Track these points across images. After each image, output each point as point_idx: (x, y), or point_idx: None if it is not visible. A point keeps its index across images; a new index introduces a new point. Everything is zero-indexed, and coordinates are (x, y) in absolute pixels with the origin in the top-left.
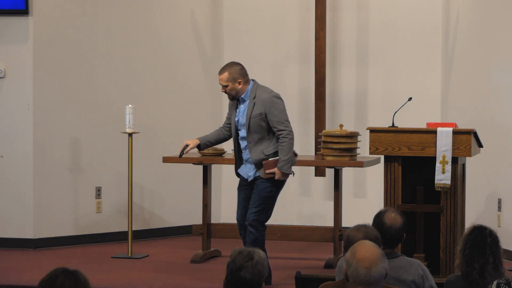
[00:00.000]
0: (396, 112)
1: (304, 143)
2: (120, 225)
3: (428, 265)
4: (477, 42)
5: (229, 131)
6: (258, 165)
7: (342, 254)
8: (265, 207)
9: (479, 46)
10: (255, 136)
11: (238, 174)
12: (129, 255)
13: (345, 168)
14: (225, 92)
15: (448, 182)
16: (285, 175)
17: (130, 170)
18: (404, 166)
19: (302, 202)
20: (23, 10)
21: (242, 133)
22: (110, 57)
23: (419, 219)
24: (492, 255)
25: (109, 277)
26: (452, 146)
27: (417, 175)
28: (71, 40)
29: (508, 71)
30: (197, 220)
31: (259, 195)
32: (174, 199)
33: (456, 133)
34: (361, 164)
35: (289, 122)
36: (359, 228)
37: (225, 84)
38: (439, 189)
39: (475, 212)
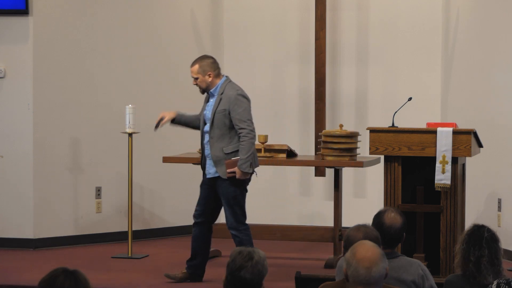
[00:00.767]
0: (396, 112)
1: (304, 143)
2: (120, 225)
3: (428, 265)
4: (477, 42)
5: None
6: (217, 162)
7: (342, 254)
8: (237, 208)
9: (479, 46)
10: (217, 132)
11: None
12: (129, 255)
13: (345, 168)
14: (196, 85)
15: (448, 182)
16: (245, 174)
17: (130, 170)
18: (404, 166)
19: (302, 202)
20: (23, 10)
21: (207, 127)
22: (110, 57)
23: (419, 219)
24: (488, 249)
25: (109, 277)
26: (452, 146)
27: (417, 175)
28: (71, 40)
29: (508, 71)
30: None
31: (226, 199)
32: (174, 199)
33: (456, 133)
34: (361, 164)
35: (251, 122)
36: (359, 228)
37: (195, 76)
38: (439, 189)
39: (475, 212)
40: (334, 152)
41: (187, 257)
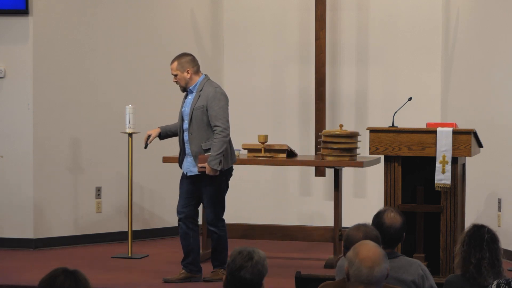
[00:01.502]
0: (396, 112)
1: (304, 143)
2: (120, 225)
3: (428, 265)
4: (477, 42)
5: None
6: (196, 158)
7: (342, 254)
8: (218, 205)
9: (479, 46)
10: (195, 128)
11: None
12: (129, 255)
13: (345, 168)
14: (176, 82)
15: (448, 182)
16: (214, 171)
17: (130, 170)
18: (404, 166)
19: (302, 202)
20: (23, 10)
21: (185, 124)
22: (110, 57)
23: (419, 219)
24: (489, 251)
25: (109, 277)
26: (452, 146)
27: (417, 175)
28: (71, 40)
29: (508, 71)
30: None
31: (208, 197)
32: (174, 199)
33: (456, 133)
34: (361, 164)
35: (227, 121)
36: (359, 227)
37: (174, 73)
38: (439, 189)
39: (475, 212)
40: (334, 152)
41: None
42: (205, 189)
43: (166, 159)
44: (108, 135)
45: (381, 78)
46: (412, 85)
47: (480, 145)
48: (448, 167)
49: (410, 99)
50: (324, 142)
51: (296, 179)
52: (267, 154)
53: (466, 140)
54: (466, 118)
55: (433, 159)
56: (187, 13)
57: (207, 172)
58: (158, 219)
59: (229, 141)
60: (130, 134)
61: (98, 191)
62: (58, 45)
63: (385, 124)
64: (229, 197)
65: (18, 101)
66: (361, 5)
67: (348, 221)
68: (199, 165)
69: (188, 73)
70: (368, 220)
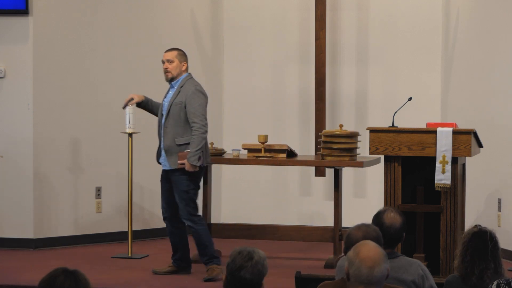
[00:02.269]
0: (396, 112)
1: (304, 143)
2: (120, 225)
3: (428, 265)
4: (477, 42)
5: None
6: (167, 152)
7: (342, 253)
8: (190, 201)
9: (479, 46)
10: (171, 123)
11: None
12: (129, 255)
13: (345, 168)
14: (165, 69)
15: (448, 182)
16: (194, 167)
17: (130, 170)
18: (404, 166)
19: (302, 202)
20: (23, 10)
21: (163, 117)
22: (110, 57)
23: (419, 219)
24: (493, 260)
25: (109, 277)
26: (452, 146)
27: (417, 175)
28: (71, 40)
29: (508, 71)
30: None
31: (179, 192)
32: None
33: (456, 133)
34: (361, 164)
35: (205, 118)
36: (360, 227)
37: (171, 58)
38: (439, 189)
39: (475, 212)
40: (334, 152)
41: None
42: (176, 186)
43: None
44: (108, 135)
45: (381, 78)
46: (412, 85)
47: (480, 145)
48: (448, 167)
49: (410, 99)
50: (324, 142)
51: (296, 179)
52: (267, 154)
53: (466, 140)
54: (466, 118)
55: (433, 159)
56: (187, 13)
57: (186, 168)
58: (158, 219)
59: (205, 141)
60: (130, 134)
61: (98, 191)
62: (58, 45)
63: (385, 124)
64: (229, 197)
65: (18, 101)
66: (361, 5)
67: (348, 221)
68: (179, 161)
69: (184, 65)
70: (368, 220)
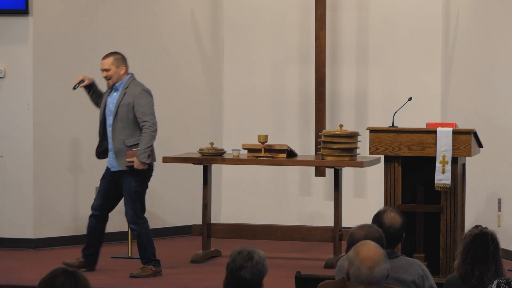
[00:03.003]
0: (396, 112)
1: (304, 143)
2: (120, 225)
3: (428, 265)
4: (477, 42)
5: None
6: (117, 154)
7: (344, 253)
8: (138, 202)
9: (479, 46)
10: (119, 125)
11: (99, 156)
12: (129, 255)
13: (345, 168)
14: (106, 77)
15: (448, 182)
16: (143, 164)
17: None
18: (404, 166)
19: (302, 202)
20: (23, 10)
21: (109, 120)
22: None
23: (419, 219)
24: (494, 262)
25: (109, 277)
26: (452, 146)
27: (417, 175)
28: (71, 40)
29: (508, 71)
30: (197, 220)
31: (128, 193)
32: (174, 199)
33: (456, 133)
34: (361, 164)
35: (154, 116)
36: (363, 227)
37: (108, 67)
38: (439, 189)
39: (475, 212)
40: (334, 152)
41: (187, 257)
42: (125, 186)
43: (166, 159)
44: None
45: (381, 78)
46: (412, 85)
47: (480, 145)
48: (448, 167)
49: (410, 99)
50: (324, 142)
51: (296, 179)
52: (267, 154)
53: (466, 140)
54: (466, 118)
55: (433, 159)
56: (187, 13)
57: (135, 166)
58: (158, 219)
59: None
60: None
61: None
62: (58, 45)
63: (385, 124)
64: (229, 197)
65: (18, 101)
66: (361, 5)
67: (348, 221)
68: (128, 159)
69: (122, 69)
70: (368, 220)
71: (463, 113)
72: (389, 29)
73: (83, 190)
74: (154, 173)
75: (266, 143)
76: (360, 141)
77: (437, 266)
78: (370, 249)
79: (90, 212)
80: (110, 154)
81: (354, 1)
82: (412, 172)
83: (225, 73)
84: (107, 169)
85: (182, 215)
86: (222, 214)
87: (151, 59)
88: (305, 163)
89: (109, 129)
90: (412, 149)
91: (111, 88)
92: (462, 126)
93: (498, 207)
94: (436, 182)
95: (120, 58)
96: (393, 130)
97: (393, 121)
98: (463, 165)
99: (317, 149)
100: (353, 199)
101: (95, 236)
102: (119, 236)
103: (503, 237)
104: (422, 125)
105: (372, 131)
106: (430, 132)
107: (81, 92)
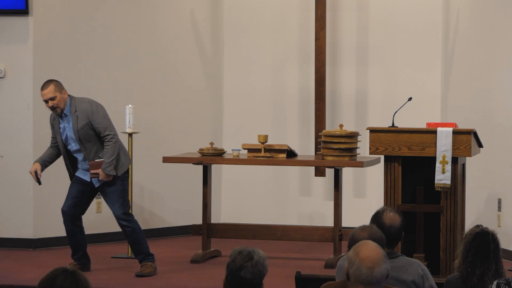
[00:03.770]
0: (396, 112)
1: (304, 143)
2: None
3: (428, 265)
4: (477, 42)
5: (57, 149)
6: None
7: (344, 253)
8: (124, 199)
9: (479, 46)
10: (89, 146)
11: (72, 175)
12: (129, 255)
13: (345, 168)
14: (52, 107)
15: (448, 182)
16: (108, 176)
17: (130, 170)
18: (404, 166)
19: (302, 202)
20: (23, 10)
21: (74, 146)
22: (110, 57)
23: (419, 219)
24: (494, 261)
25: (109, 277)
26: (452, 146)
27: (417, 175)
28: (71, 40)
29: (508, 71)
30: (197, 220)
31: (115, 194)
32: (174, 199)
33: (456, 133)
34: (361, 164)
35: (112, 126)
36: (365, 228)
37: (53, 95)
38: (439, 189)
39: (475, 212)
40: (334, 152)
41: (187, 257)
42: (110, 189)
43: (166, 159)
44: None
45: (381, 78)
46: (412, 85)
47: (480, 145)
48: (448, 167)
49: (410, 99)
50: (324, 142)
51: (296, 179)
52: (267, 154)
53: (466, 140)
54: (466, 118)
55: (433, 159)
56: (187, 13)
57: (100, 178)
58: (158, 219)
59: (121, 144)
60: (130, 134)
61: None
62: (58, 45)
63: (385, 124)
64: (229, 197)
65: (18, 101)
66: (361, 5)
67: (348, 221)
68: (92, 171)
69: (65, 93)
70: (368, 220)
71: (463, 113)
72: (389, 29)
73: None
74: (154, 173)
75: (266, 143)
76: (360, 141)
77: (437, 266)
78: (370, 249)
79: (90, 212)
80: (83, 172)
81: (354, 1)
82: (412, 172)
83: (225, 73)
84: (78, 178)
85: (182, 215)
86: (222, 214)
87: (151, 59)
88: (305, 163)
89: (78, 154)
90: (412, 149)
91: (60, 116)
92: (462, 126)
93: (498, 207)
94: (436, 182)
95: (59, 83)
96: (393, 130)
97: (393, 121)
98: (463, 165)
99: (317, 149)
100: (353, 199)
101: (78, 238)
102: (119, 236)
103: (503, 237)
104: (422, 125)
105: (372, 131)
106: (430, 132)
107: (81, 92)
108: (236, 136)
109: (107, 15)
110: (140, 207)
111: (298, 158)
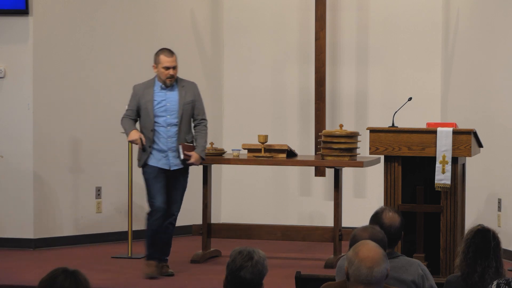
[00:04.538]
0: (396, 112)
1: (304, 143)
2: (120, 225)
3: (428, 265)
4: (477, 42)
5: (135, 120)
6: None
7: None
8: (182, 198)
9: (479, 46)
10: (184, 123)
11: (145, 165)
12: (129, 255)
13: (345, 168)
14: (172, 75)
15: (448, 182)
16: (201, 160)
17: (130, 170)
18: (404, 166)
19: (302, 202)
20: (23, 10)
21: (170, 119)
22: (110, 57)
23: (419, 219)
24: (495, 259)
25: (109, 277)
26: (452, 146)
27: (417, 175)
28: (71, 40)
29: (508, 71)
30: (197, 220)
31: (182, 190)
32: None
33: (456, 133)
34: (361, 164)
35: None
36: (366, 228)
37: (176, 64)
38: (439, 189)
39: (475, 212)
40: (334, 152)
41: (187, 257)
42: (179, 184)
43: None
44: (108, 135)
45: (381, 78)
46: (412, 85)
47: (480, 145)
48: (448, 167)
49: (410, 99)
50: (324, 142)
51: (296, 179)
52: (267, 154)
53: (466, 140)
54: (466, 118)
55: (433, 159)
56: (187, 13)
57: (192, 160)
58: None
59: None
60: None
61: (98, 191)
62: (58, 45)
63: (385, 124)
64: (229, 197)
65: (18, 101)
66: (361, 5)
67: (348, 221)
68: (187, 152)
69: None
70: (368, 220)
71: (463, 113)
72: (389, 29)
73: (83, 190)
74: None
75: (266, 143)
76: (360, 141)
77: (437, 266)
78: (369, 249)
79: (90, 212)
80: (168, 154)
81: (354, 1)
82: (412, 172)
83: (225, 73)
84: (154, 168)
85: (182, 215)
86: (222, 214)
87: (151, 59)
88: (305, 163)
89: (170, 128)
90: (412, 149)
91: (164, 86)
92: (462, 126)
93: (498, 207)
94: (436, 182)
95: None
96: (393, 130)
97: (393, 121)
98: (463, 165)
99: (317, 149)
100: (353, 199)
101: (167, 236)
102: (119, 236)
103: (503, 237)
104: (422, 125)
105: (372, 131)
106: (430, 132)
107: (81, 92)
108: (236, 136)
109: (107, 15)
110: (140, 207)
111: (298, 158)
